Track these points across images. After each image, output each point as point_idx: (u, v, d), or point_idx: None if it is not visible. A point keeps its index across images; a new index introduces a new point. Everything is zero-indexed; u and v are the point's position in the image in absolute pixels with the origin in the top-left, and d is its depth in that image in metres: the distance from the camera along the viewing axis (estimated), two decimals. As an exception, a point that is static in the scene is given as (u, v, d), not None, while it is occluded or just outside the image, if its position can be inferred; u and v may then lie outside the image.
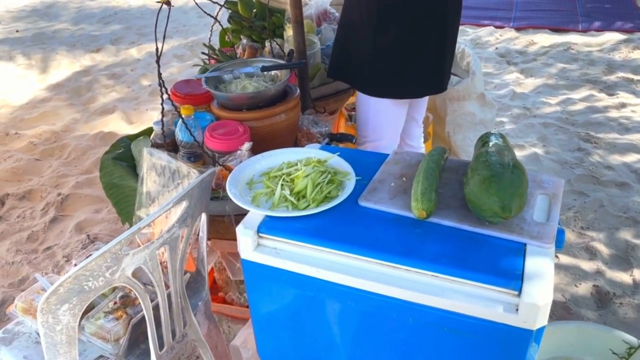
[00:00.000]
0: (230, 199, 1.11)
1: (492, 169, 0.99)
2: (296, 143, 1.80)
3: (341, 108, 2.37)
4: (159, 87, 1.48)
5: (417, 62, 1.71)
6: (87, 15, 5.95)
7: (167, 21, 1.54)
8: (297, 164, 1.17)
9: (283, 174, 1.14)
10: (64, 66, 4.54)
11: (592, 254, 2.21)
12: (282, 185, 1.10)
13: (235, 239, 1.15)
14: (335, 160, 1.20)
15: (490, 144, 1.11)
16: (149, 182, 1.51)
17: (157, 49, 1.49)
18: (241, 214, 1.49)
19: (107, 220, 2.57)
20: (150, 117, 3.55)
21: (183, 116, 1.50)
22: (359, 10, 1.73)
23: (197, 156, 1.60)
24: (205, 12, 2.02)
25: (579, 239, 2.31)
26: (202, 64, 2.27)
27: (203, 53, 2.24)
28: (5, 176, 2.96)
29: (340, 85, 2.15)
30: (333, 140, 1.77)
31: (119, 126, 3.47)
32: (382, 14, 1.67)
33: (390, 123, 1.88)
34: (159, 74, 1.46)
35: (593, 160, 2.84)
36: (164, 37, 1.54)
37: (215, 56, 2.18)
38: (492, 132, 1.20)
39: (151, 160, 1.50)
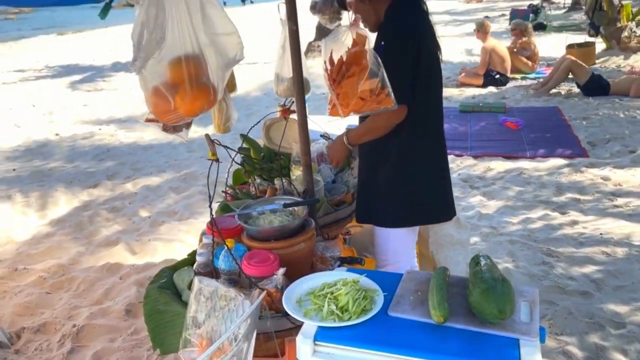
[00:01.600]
0: (270, 317, 1.41)
1: (488, 283, 1.34)
2: (312, 266, 2.13)
3: (339, 233, 2.74)
4: (211, 225, 1.81)
5: (428, 195, 2.20)
6: (80, 153, 6.37)
7: (217, 175, 1.89)
8: (336, 284, 1.50)
9: (327, 293, 1.46)
10: (64, 202, 4.83)
11: (569, 357, 2.51)
12: (328, 301, 1.42)
13: (265, 356, 1.42)
14: (364, 281, 1.53)
15: (482, 263, 1.48)
16: (198, 306, 1.78)
17: (209, 195, 1.84)
18: (280, 330, 1.77)
19: (124, 349, 2.73)
20: (153, 247, 3.82)
21: (230, 248, 1.82)
22: (376, 160, 2.22)
23: (235, 282, 1.89)
24: (229, 151, 2.41)
25: (556, 344, 2.61)
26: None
27: (223, 191, 2.62)
28: (19, 310, 3.11)
29: (339, 214, 2.54)
30: (344, 263, 2.11)
31: (123, 257, 3.72)
32: (398, 161, 2.16)
33: (407, 248, 2.29)
34: (212, 216, 1.81)
35: (557, 273, 3.24)
36: (215, 186, 1.89)
37: (234, 194, 2.55)
38: (480, 254, 1.57)
39: (200, 287, 1.78)
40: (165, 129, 2.30)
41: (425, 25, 2.12)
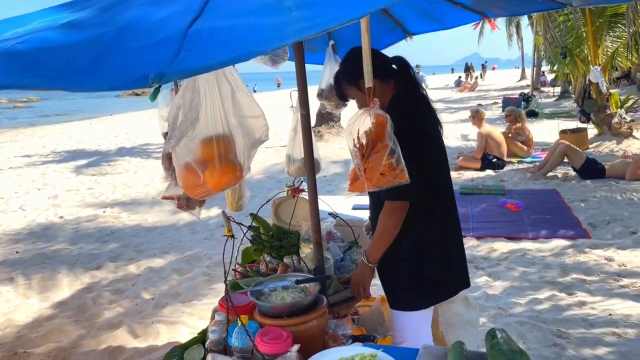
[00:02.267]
0: None
1: (507, 355, 1.35)
2: (325, 344, 2.11)
3: (349, 313, 2.73)
4: (226, 301, 1.83)
5: (443, 273, 2.26)
6: (84, 236, 6.40)
7: (232, 251, 1.93)
8: (354, 359, 1.49)
9: (345, 368, 1.45)
10: (66, 285, 4.79)
11: None
12: (347, 376, 1.41)
13: None
14: (381, 355, 1.53)
15: (499, 336, 1.49)
16: (211, 385, 1.75)
17: (225, 271, 1.88)
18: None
19: None
20: (157, 330, 3.75)
21: (244, 324, 1.82)
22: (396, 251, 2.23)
23: (248, 360, 1.87)
24: (242, 229, 2.46)
25: None
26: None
27: (233, 270, 2.64)
28: (16, 396, 3.00)
29: (349, 292, 2.54)
30: (355, 341, 2.09)
31: (126, 340, 3.64)
32: (411, 243, 2.21)
33: (426, 328, 2.30)
34: (227, 292, 1.83)
35: (569, 355, 3.18)
36: (231, 262, 1.92)
37: (244, 272, 2.57)
38: (496, 328, 1.58)
39: (214, 365, 1.77)
40: (180, 206, 2.38)
41: (427, 108, 2.27)
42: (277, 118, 14.80)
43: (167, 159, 2.22)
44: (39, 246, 6.07)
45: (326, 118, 12.73)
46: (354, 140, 1.76)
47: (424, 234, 2.21)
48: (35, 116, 34.12)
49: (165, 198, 2.46)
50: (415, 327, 2.31)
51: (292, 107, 2.48)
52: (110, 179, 9.80)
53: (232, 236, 1.97)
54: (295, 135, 2.72)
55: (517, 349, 1.38)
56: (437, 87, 30.30)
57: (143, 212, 7.39)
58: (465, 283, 2.39)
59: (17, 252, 5.85)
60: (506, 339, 1.46)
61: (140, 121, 22.24)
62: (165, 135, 1.83)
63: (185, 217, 6.94)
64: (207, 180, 1.35)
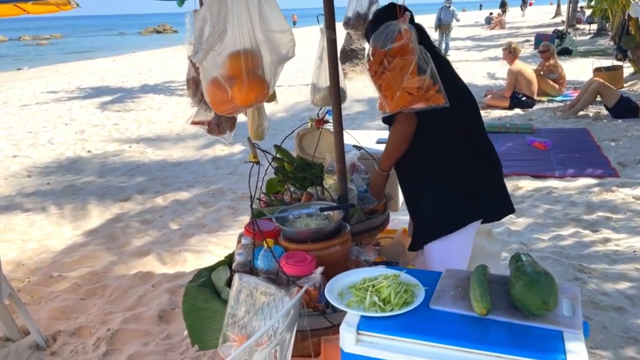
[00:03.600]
0: (307, 316, 1.44)
1: (531, 275, 1.36)
2: (347, 269, 2.15)
3: (371, 242, 2.76)
4: (252, 225, 1.86)
5: (478, 188, 2.22)
6: (111, 169, 6.54)
7: (257, 178, 1.94)
8: (377, 278, 1.52)
9: (368, 286, 1.48)
10: (96, 214, 4.95)
11: (605, 370, 2.47)
12: (370, 293, 1.44)
13: (301, 355, 1.44)
14: (404, 276, 1.55)
15: (523, 259, 1.49)
16: (237, 303, 1.82)
17: (251, 196, 1.90)
18: (316, 329, 1.79)
19: (157, 352, 2.76)
20: (184, 257, 3.88)
21: (270, 247, 1.86)
22: (416, 178, 2.27)
23: (273, 281, 1.92)
24: (266, 158, 2.47)
25: (592, 358, 2.57)
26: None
27: (257, 199, 2.67)
28: (54, 315, 3.18)
29: (372, 222, 2.57)
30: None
31: (155, 266, 3.78)
32: (435, 169, 2.20)
33: (464, 257, 2.31)
34: (252, 215, 1.86)
35: (590, 288, 3.19)
36: (256, 186, 1.93)
37: (269, 202, 2.61)
38: (520, 252, 1.58)
39: (240, 283, 1.82)
40: (211, 130, 2.39)
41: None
42: (298, 56, 14.52)
43: (194, 84, 2.21)
44: (69, 178, 6.23)
45: (350, 55, 12.39)
46: (367, 55, 1.69)
47: (445, 155, 2.19)
48: (59, 53, 34.19)
49: (194, 123, 2.46)
50: (460, 256, 2.30)
51: (320, 27, 2.40)
52: (135, 115, 9.87)
53: (258, 162, 1.97)
54: (321, 62, 2.65)
55: (541, 270, 1.39)
56: (466, 24, 29.12)
57: (167, 147, 7.48)
58: (507, 205, 2.35)
59: (48, 184, 6.03)
60: (531, 262, 1.46)
61: (161, 58, 22.10)
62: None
63: (209, 152, 7.01)
64: (234, 96, 1.33)
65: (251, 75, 1.31)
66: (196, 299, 2.01)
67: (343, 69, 12.23)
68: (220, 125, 2.54)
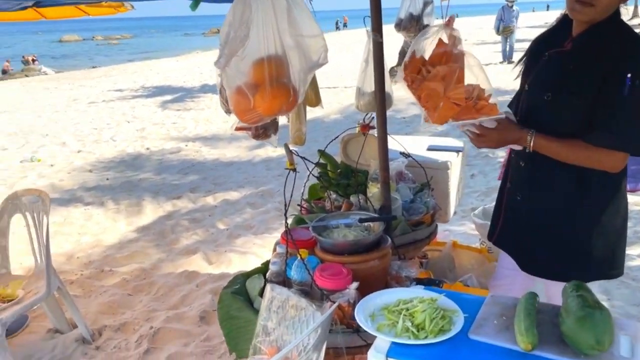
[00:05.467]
0: (341, 332, 1.35)
1: (585, 310, 1.21)
2: (387, 285, 2.05)
3: (416, 255, 2.64)
4: (286, 234, 1.80)
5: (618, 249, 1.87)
6: (167, 167, 6.71)
7: (293, 184, 1.88)
8: (412, 301, 1.42)
9: (402, 309, 1.38)
10: (150, 211, 5.08)
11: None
12: (403, 317, 1.34)
13: None
14: (442, 300, 1.44)
15: (577, 290, 1.34)
16: (268, 314, 1.76)
17: (285, 204, 1.84)
18: (350, 347, 1.71)
19: (196, 354, 2.76)
20: (229, 258, 3.90)
21: (303, 258, 1.79)
22: (579, 197, 1.75)
23: (307, 293, 1.86)
24: (308, 165, 2.41)
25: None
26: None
27: (298, 205, 2.62)
28: (102, 309, 3.26)
29: (417, 235, 2.44)
30: (419, 284, 2.01)
31: (201, 266, 3.81)
32: (608, 207, 1.78)
33: None
34: (286, 225, 1.80)
35: (658, 317, 2.92)
36: (292, 195, 1.88)
37: (310, 208, 2.54)
38: (575, 281, 1.43)
39: (272, 295, 1.77)
40: (256, 135, 2.35)
41: None
42: (355, 58, 14.43)
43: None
44: (127, 174, 6.44)
45: (408, 56, 12.18)
46: (404, 63, 1.57)
47: (621, 196, 1.82)
48: (127, 52, 35.82)
49: (238, 129, 2.42)
50: None
51: (367, 29, 2.31)
52: (193, 114, 10.12)
53: (294, 169, 1.91)
54: (366, 66, 2.56)
55: (596, 304, 1.24)
56: (534, 25, 27.84)
57: (222, 147, 7.60)
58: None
59: (107, 179, 6.26)
60: (586, 294, 1.31)
61: (223, 58, 22.59)
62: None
63: (261, 153, 7.06)
64: (257, 104, 1.27)
65: (275, 82, 1.24)
66: (230, 307, 1.98)
67: (398, 71, 12.05)
68: (267, 129, 2.50)
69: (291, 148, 1.99)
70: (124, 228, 4.72)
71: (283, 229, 4.41)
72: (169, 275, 3.69)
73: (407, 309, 1.38)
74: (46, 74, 21.44)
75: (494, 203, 2.19)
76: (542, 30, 1.91)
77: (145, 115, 10.25)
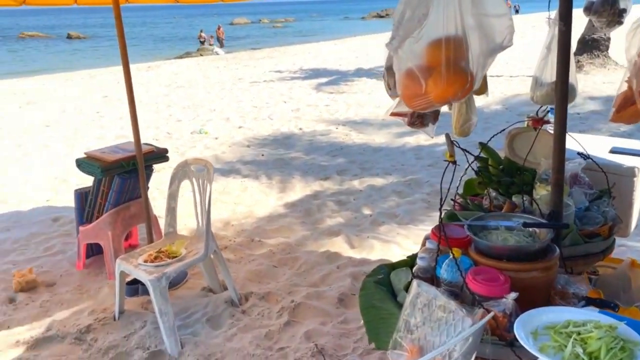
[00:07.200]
0: (490, 343, 1.21)
1: None
2: (549, 300, 1.84)
3: (585, 271, 2.34)
4: (438, 230, 1.70)
5: None
6: (317, 148, 6.91)
7: (452, 177, 1.77)
8: (585, 325, 1.23)
9: (573, 332, 1.21)
10: (298, 189, 5.28)
11: None
12: (573, 342, 1.17)
13: None
14: (623, 329, 1.23)
15: None
16: (413, 310, 1.69)
17: (441, 198, 1.73)
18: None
19: (332, 334, 2.80)
20: (371, 244, 3.88)
21: (456, 258, 1.68)
22: None
23: (456, 295, 1.74)
24: (466, 157, 2.26)
25: None
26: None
27: (452, 199, 2.48)
28: (250, 276, 3.46)
29: (590, 248, 2.16)
30: (590, 304, 1.77)
31: (342, 248, 3.86)
32: None
33: None
34: (440, 220, 1.69)
35: None
36: (449, 189, 1.76)
37: (464, 204, 2.39)
38: None
39: (418, 291, 1.69)
40: (412, 123, 2.26)
41: None
42: (526, 44, 13.36)
43: (392, 73, 2.09)
44: (280, 152, 6.77)
45: (590, 45, 10.93)
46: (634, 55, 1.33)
47: None
48: (290, 35, 37.68)
49: (394, 114, 2.36)
50: None
51: (547, 18, 2.06)
52: (346, 98, 10.28)
53: (454, 162, 1.78)
54: (548, 53, 2.29)
55: None
56: None
57: (371, 132, 7.60)
58: None
59: (262, 155, 6.64)
60: None
61: (380, 43, 22.60)
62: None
63: (411, 141, 6.91)
64: (429, 90, 1.17)
65: (452, 67, 1.12)
66: (372, 297, 1.94)
67: (579, 61, 10.84)
68: (425, 117, 2.39)
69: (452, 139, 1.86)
70: (274, 202, 4.96)
71: (430, 221, 4.25)
72: (311, 253, 3.79)
73: (579, 333, 1.21)
74: (217, 54, 23.43)
75: None
76: None
77: (300, 96, 10.67)
